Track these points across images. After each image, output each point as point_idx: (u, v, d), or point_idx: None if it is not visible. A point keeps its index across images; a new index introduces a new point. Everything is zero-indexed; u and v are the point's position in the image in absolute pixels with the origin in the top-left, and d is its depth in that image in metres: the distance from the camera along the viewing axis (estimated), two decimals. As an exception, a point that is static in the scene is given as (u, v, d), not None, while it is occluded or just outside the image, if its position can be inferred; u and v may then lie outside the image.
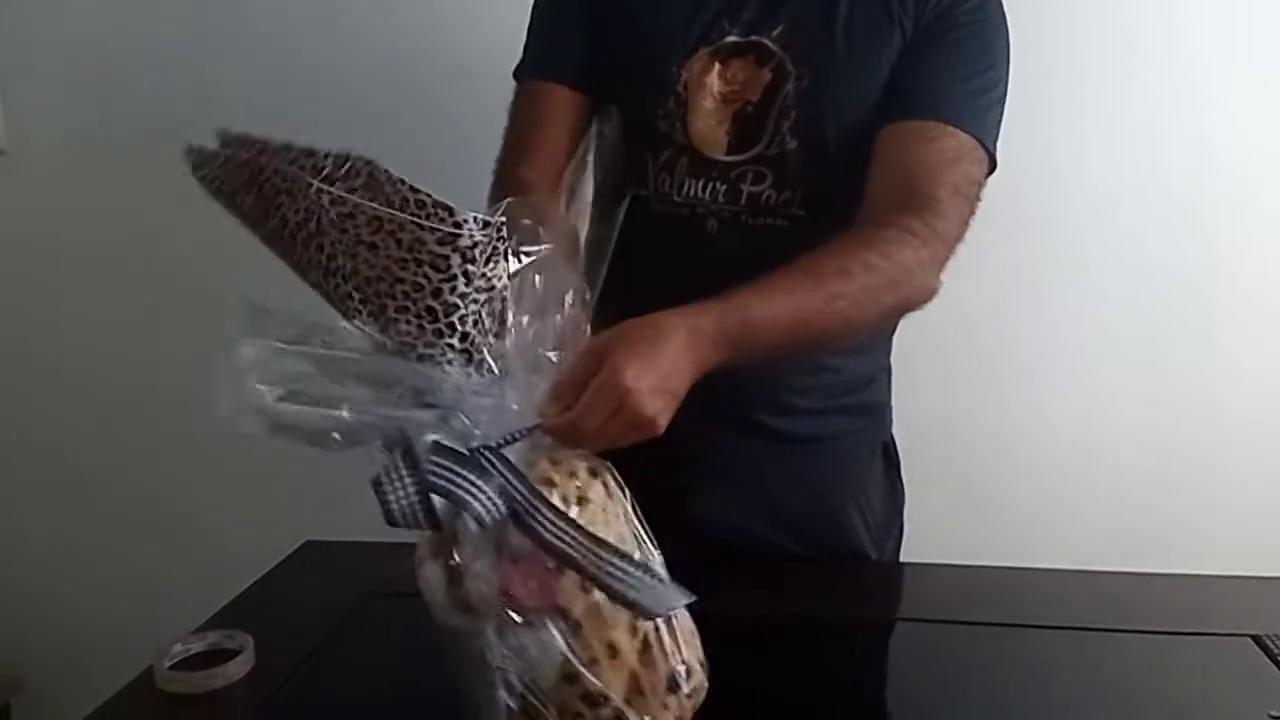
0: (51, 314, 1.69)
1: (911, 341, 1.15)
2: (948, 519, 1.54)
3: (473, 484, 0.62)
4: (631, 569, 0.64)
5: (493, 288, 0.68)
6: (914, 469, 1.21)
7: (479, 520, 0.62)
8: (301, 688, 0.86)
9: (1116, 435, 1.61)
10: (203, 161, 0.69)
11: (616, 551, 0.64)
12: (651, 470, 0.87)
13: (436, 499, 0.62)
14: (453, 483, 0.62)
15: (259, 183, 0.67)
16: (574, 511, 0.66)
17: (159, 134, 1.59)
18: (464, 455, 0.63)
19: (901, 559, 1.19)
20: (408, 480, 0.61)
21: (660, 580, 0.65)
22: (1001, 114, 0.97)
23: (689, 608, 0.73)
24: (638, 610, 0.65)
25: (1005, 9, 1.00)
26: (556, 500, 0.66)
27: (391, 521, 0.62)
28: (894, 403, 1.18)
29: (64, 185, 1.65)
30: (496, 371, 0.69)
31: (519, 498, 0.64)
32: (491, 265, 0.67)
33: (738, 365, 0.77)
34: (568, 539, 0.63)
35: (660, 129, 0.99)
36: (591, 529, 0.65)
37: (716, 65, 0.98)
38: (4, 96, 1.62)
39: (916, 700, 0.89)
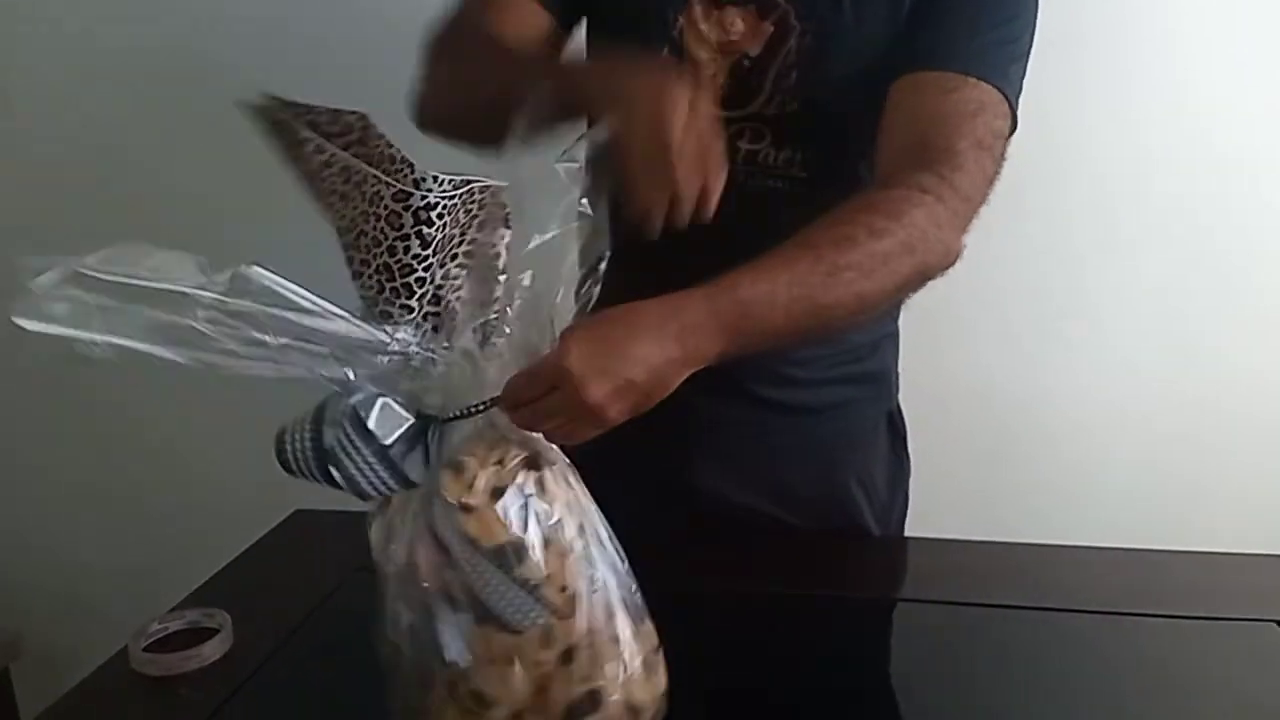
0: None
1: (930, 304, 1.09)
2: (966, 487, 1.52)
3: (364, 458, 0.62)
4: (495, 573, 0.62)
5: (486, 254, 0.66)
6: (933, 436, 1.17)
7: (362, 495, 0.63)
8: (280, 669, 0.84)
9: (1142, 402, 1.56)
10: (251, 117, 0.68)
11: (489, 553, 0.62)
12: (654, 444, 0.83)
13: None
14: (345, 452, 0.62)
15: (281, 137, 0.66)
16: (476, 500, 0.63)
17: (155, 105, 1.57)
18: (364, 426, 0.63)
19: (915, 530, 1.15)
20: (308, 435, 0.63)
21: (526, 595, 0.62)
22: (1025, 70, 0.89)
23: (661, 637, 0.70)
24: (499, 621, 0.62)
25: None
26: (458, 486, 0.63)
27: (285, 465, 0.64)
28: (912, 367, 1.13)
29: (62, 146, 1.62)
30: (472, 341, 0.66)
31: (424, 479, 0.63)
32: (488, 231, 0.65)
33: (740, 354, 0.70)
34: (448, 531, 0.62)
35: None
36: (508, 518, 0.63)
37: (714, 12, 0.91)
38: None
39: (918, 683, 0.85)
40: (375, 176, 0.61)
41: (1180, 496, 1.56)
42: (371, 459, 0.61)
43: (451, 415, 0.66)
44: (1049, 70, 0.95)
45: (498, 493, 0.64)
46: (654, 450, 0.89)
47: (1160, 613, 0.92)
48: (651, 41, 0.93)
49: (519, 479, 0.65)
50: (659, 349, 0.66)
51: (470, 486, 0.64)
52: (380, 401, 0.64)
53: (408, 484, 0.63)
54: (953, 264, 0.81)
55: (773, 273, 0.70)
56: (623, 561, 0.69)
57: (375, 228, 0.62)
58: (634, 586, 0.69)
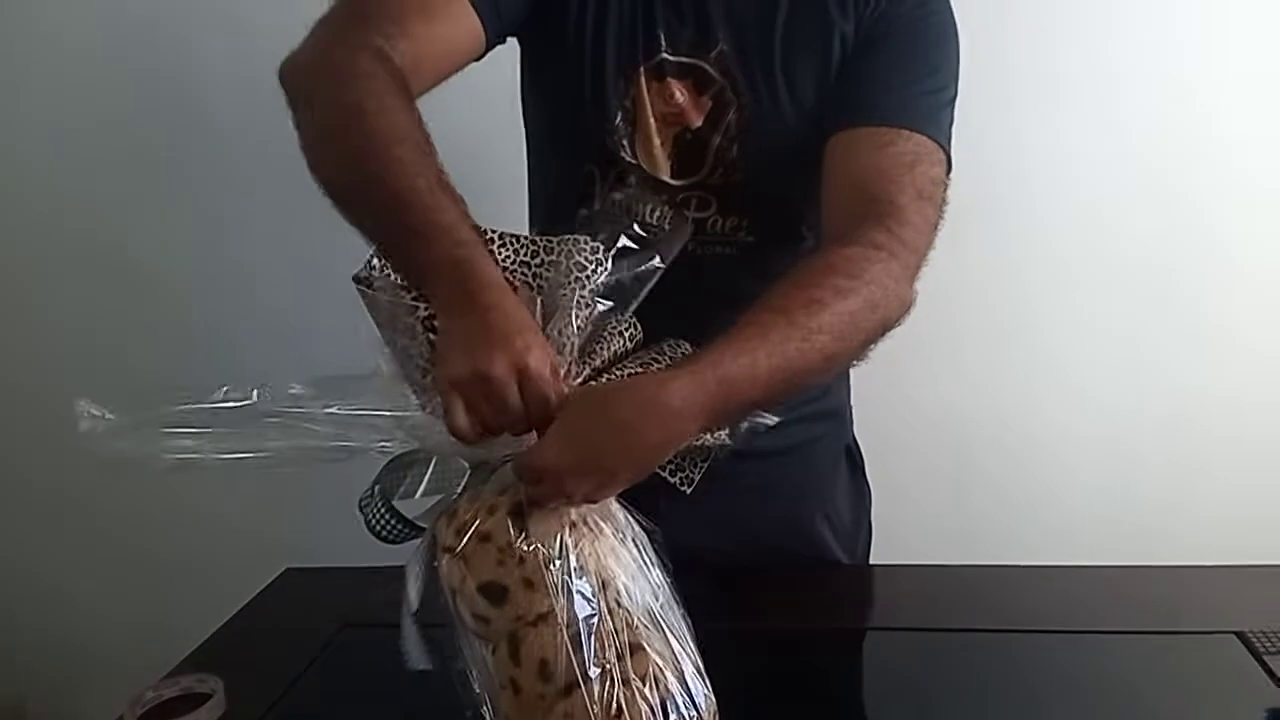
0: (37, 343, 1.69)
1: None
2: (928, 509, 1.55)
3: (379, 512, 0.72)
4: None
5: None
6: (893, 462, 1.20)
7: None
8: (272, 731, 0.86)
9: (1099, 424, 1.60)
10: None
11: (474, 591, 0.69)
12: (619, 494, 0.86)
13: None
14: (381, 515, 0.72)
15: None
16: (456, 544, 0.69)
17: (144, 162, 1.60)
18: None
19: (880, 553, 1.18)
20: (380, 503, 0.72)
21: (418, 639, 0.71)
22: (953, 117, 0.92)
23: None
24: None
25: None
26: (446, 530, 0.70)
27: (372, 531, 0.73)
28: (870, 395, 1.16)
29: (50, 217, 1.65)
30: None
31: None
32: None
33: (717, 427, 0.73)
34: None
35: (608, 145, 0.95)
36: (480, 564, 0.68)
37: (654, 84, 0.94)
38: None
39: (893, 710, 0.88)
40: None
41: (1140, 511, 1.59)
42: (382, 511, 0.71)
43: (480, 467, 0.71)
44: (990, 100, 0.98)
45: (484, 537, 0.68)
46: (621, 498, 0.92)
47: (1123, 629, 0.95)
48: (604, 107, 0.95)
49: (503, 526, 0.68)
50: (641, 439, 0.68)
51: (459, 530, 0.68)
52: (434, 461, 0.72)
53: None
54: (907, 314, 0.83)
55: (750, 345, 0.71)
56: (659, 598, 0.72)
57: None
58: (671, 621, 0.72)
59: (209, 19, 1.53)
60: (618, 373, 0.74)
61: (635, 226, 0.76)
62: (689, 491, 0.80)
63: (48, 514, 1.76)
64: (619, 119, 0.94)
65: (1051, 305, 1.57)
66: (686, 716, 0.68)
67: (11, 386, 1.71)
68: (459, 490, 0.72)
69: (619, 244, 0.75)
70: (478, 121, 1.17)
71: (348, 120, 0.75)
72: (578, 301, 0.71)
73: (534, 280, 0.74)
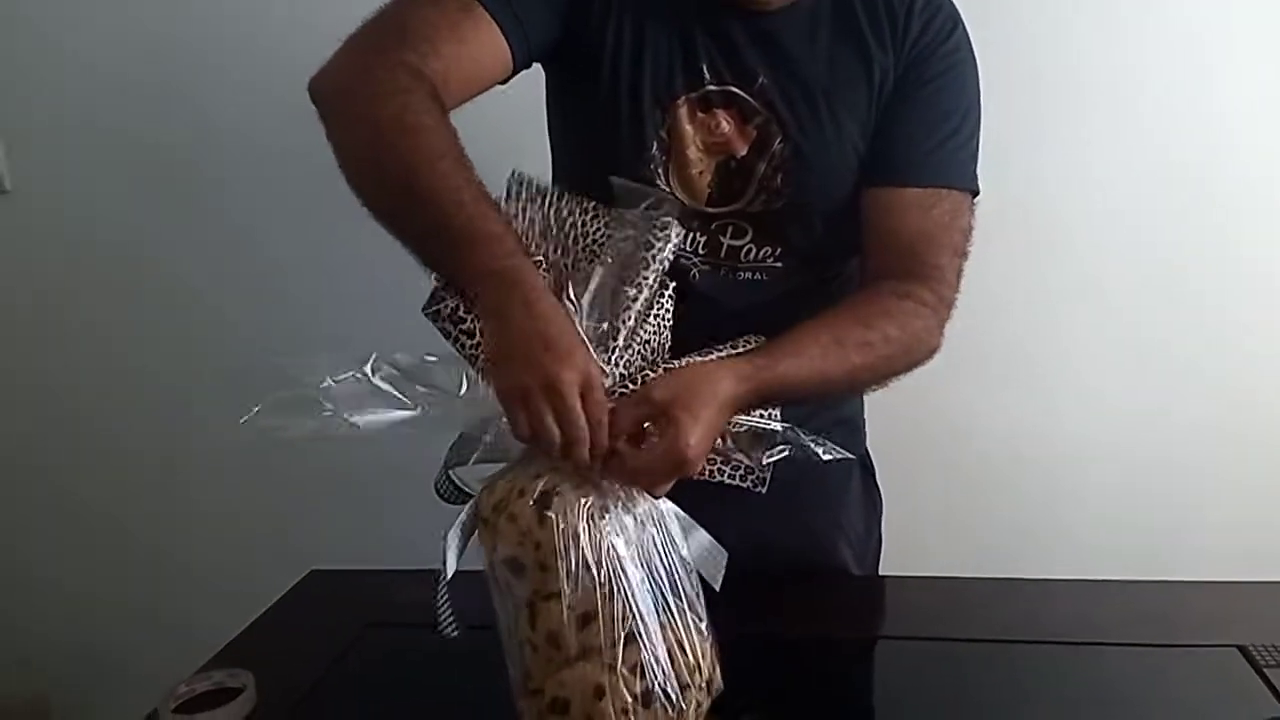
0: (56, 350, 1.73)
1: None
2: (940, 520, 1.56)
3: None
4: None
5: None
6: (907, 471, 1.23)
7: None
8: (302, 726, 0.89)
9: (1117, 433, 1.60)
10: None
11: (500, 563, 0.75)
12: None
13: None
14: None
15: None
16: (496, 518, 0.74)
17: (156, 169, 1.64)
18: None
19: (891, 563, 1.20)
20: (443, 473, 0.82)
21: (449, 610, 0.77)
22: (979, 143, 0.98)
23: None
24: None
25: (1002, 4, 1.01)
26: (484, 501, 0.76)
27: (441, 496, 0.82)
28: (886, 403, 1.14)
29: (64, 223, 1.69)
30: None
31: None
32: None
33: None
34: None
35: (643, 175, 0.96)
36: (506, 540, 0.74)
37: (698, 114, 0.96)
38: (4, 139, 1.65)
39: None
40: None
41: (1160, 522, 1.60)
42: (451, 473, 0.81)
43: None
44: (1010, 113, 1.02)
45: (511, 517, 0.73)
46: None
47: (1125, 641, 0.97)
48: (640, 137, 0.96)
49: (529, 512, 0.73)
50: (726, 413, 0.78)
51: (494, 506, 0.74)
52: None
53: None
54: (934, 356, 0.94)
55: (811, 363, 0.84)
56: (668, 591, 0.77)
57: None
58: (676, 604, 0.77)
59: (218, 27, 1.57)
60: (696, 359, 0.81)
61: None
62: None
63: (73, 518, 1.79)
64: (654, 148, 0.96)
65: (1068, 315, 1.58)
66: (667, 710, 0.74)
67: (34, 389, 1.75)
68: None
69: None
70: (503, 136, 1.21)
71: (389, 136, 0.78)
72: (639, 284, 0.78)
73: (612, 249, 0.81)
